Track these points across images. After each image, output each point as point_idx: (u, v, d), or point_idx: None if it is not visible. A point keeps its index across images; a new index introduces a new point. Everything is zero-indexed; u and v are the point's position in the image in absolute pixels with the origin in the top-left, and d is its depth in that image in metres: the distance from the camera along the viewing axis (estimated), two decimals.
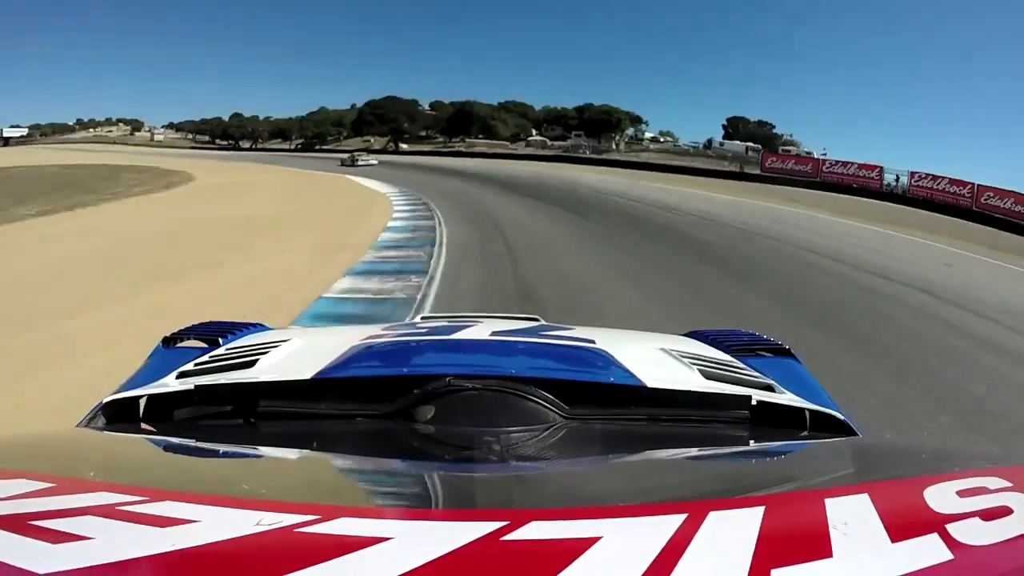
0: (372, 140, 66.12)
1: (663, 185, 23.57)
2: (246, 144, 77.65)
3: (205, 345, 1.21)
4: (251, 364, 0.92)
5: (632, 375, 0.87)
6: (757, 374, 1.02)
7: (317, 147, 65.40)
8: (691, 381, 0.90)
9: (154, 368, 1.04)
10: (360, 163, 37.71)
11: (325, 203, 15.53)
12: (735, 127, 59.32)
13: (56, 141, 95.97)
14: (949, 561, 0.39)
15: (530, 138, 61.03)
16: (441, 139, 64.10)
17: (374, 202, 16.54)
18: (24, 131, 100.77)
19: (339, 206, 15.48)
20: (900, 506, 0.50)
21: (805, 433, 0.89)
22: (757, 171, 30.15)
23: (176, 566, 0.37)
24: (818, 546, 0.39)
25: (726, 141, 46.99)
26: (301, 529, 0.41)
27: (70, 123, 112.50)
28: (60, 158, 37.72)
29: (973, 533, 0.42)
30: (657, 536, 0.39)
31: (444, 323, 1.35)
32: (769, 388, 0.93)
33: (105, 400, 0.89)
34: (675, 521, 0.41)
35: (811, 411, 0.90)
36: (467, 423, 0.76)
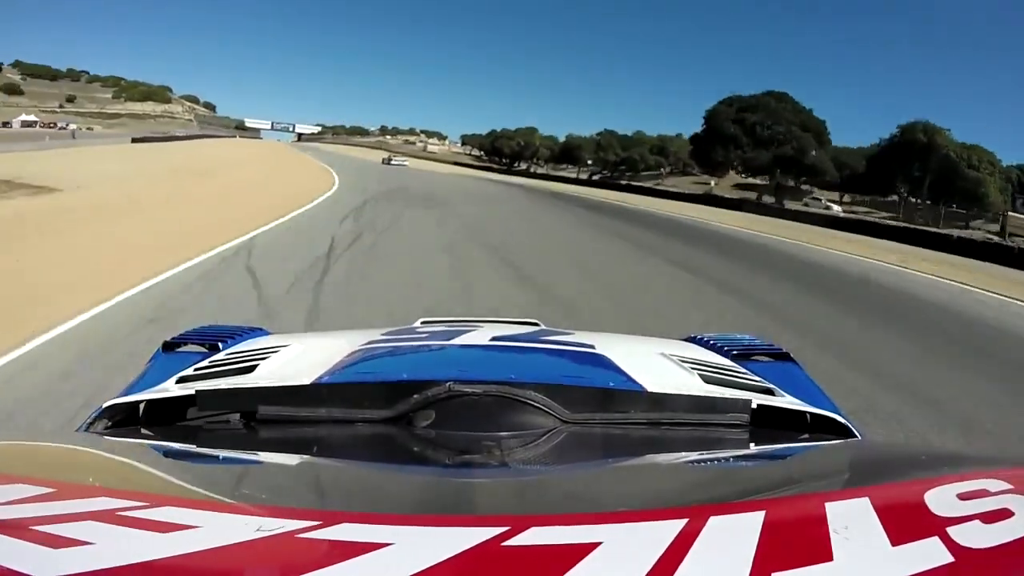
0: (714, 182, 39.41)
1: None
2: (523, 165, 60.39)
3: (205, 350, 1.21)
4: (251, 369, 0.93)
5: (632, 380, 0.88)
6: (757, 378, 1.01)
7: (624, 181, 42.62)
8: (691, 385, 0.91)
9: (154, 373, 1.04)
10: (394, 163, 47.73)
11: None
12: None
13: (339, 141, 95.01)
14: (950, 564, 0.38)
15: None
16: (859, 197, 34.95)
17: None
18: (317, 129, 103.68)
19: None
20: (901, 509, 0.50)
21: (805, 436, 0.89)
22: None
23: (177, 571, 0.37)
24: (819, 550, 0.39)
25: None
26: (302, 535, 0.41)
27: (371, 128, 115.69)
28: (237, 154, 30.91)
29: (974, 536, 0.42)
30: (657, 541, 0.39)
31: (444, 327, 1.36)
32: (769, 392, 0.93)
33: (105, 405, 0.89)
34: (675, 526, 0.41)
35: (811, 414, 0.90)
36: (468, 428, 0.76)
